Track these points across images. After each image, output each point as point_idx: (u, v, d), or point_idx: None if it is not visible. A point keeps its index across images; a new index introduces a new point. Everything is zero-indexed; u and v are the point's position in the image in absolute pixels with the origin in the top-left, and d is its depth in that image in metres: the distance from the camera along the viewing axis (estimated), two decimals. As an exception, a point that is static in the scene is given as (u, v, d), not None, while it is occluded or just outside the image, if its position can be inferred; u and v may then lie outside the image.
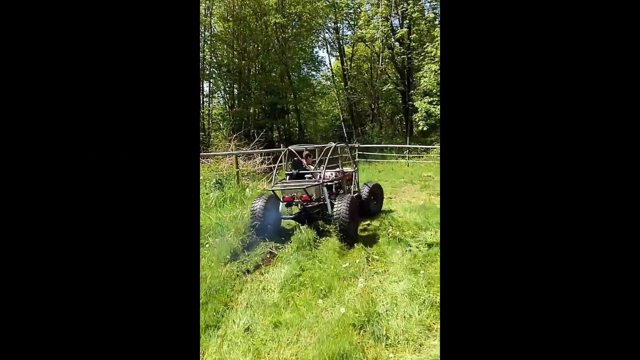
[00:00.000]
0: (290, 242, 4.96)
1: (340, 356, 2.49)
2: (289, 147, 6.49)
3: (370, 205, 6.70)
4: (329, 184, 5.82)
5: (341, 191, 6.18)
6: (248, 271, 4.21)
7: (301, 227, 5.14)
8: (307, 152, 6.56)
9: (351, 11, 25.28)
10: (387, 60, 24.38)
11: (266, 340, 2.81)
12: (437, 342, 2.73)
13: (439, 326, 2.91)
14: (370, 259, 4.54)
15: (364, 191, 6.67)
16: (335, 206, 5.06)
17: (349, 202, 5.04)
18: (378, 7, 22.95)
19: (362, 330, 2.86)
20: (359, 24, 24.28)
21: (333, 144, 6.29)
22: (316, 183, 5.41)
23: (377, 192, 7.01)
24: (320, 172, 5.72)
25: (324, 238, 5.13)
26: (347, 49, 27.25)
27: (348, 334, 2.75)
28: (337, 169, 6.54)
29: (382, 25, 22.33)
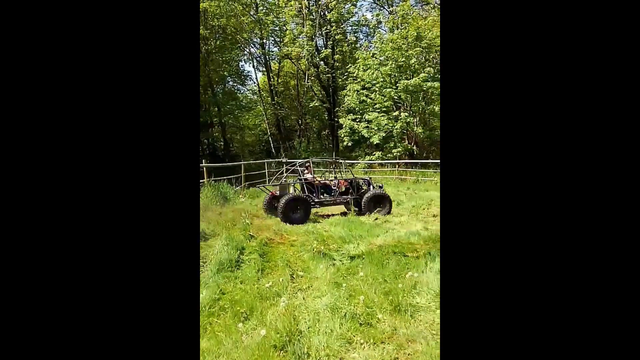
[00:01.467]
0: (210, 264, 4.73)
1: (260, 380, 2.40)
2: (299, 161, 9.38)
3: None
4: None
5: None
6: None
7: (223, 246, 4.95)
8: (308, 164, 9.37)
9: (277, 28, 25.63)
10: (312, 77, 25.05)
11: (180, 372, 2.60)
12: (357, 355, 2.78)
13: (359, 339, 2.97)
14: (294, 276, 4.51)
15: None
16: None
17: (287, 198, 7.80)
18: (303, 27, 23.60)
19: (283, 351, 2.80)
20: (285, 41, 24.69)
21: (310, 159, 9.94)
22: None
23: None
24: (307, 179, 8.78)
25: (245, 256, 4.99)
26: (274, 65, 27.47)
27: (269, 357, 2.67)
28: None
29: (307, 45, 22.96)
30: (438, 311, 3.46)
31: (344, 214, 8.99)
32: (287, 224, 7.35)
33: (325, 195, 8.84)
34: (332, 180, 9.32)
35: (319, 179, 9.31)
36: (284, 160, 17.65)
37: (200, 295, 3.88)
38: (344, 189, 9.04)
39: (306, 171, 9.16)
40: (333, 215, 8.89)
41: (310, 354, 2.77)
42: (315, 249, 5.43)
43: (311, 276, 4.48)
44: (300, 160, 9.74)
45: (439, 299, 3.66)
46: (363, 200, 8.60)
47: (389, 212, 8.63)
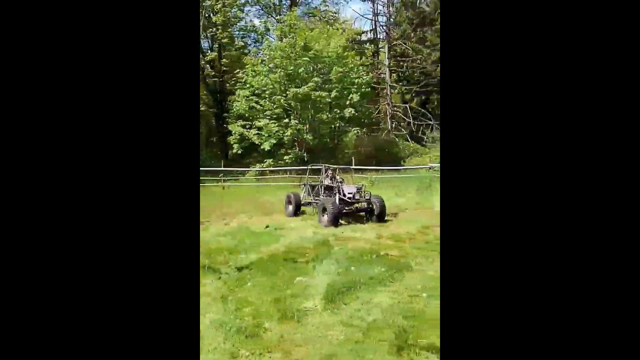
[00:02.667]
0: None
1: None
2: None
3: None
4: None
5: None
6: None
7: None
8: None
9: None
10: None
11: None
12: None
13: (244, 352, 2.88)
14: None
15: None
16: None
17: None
18: (188, 28, 22.43)
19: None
20: (167, 41, 23.08)
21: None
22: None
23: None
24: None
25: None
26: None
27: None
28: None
29: (192, 47, 21.87)
30: (324, 313, 3.58)
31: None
32: None
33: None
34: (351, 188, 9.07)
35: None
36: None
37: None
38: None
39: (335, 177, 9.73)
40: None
41: None
42: (202, 261, 5.13)
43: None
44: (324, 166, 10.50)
45: (325, 301, 3.80)
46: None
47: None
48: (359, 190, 8.86)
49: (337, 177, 9.62)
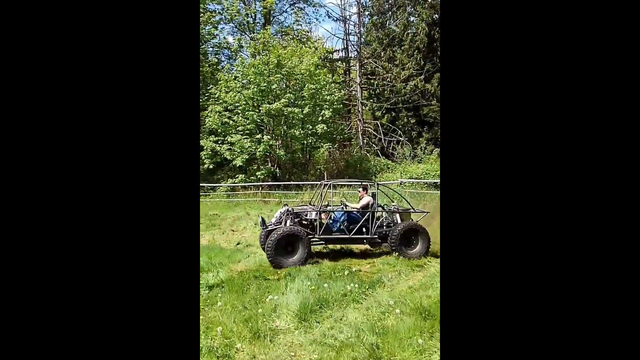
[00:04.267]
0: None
1: None
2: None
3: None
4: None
5: None
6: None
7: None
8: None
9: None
10: (170, 96, 23.58)
11: None
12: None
13: (215, 374, 2.82)
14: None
15: None
16: None
17: None
18: (159, 42, 22.22)
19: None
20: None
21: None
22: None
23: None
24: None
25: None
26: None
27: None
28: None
29: (163, 61, 21.64)
30: (296, 332, 3.57)
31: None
32: None
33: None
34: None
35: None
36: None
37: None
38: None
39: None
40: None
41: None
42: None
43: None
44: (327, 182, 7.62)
45: (297, 320, 3.78)
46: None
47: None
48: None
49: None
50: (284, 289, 4.72)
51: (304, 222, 6.45)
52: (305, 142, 18.87)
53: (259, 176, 17.86)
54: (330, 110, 18.52)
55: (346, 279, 5.09)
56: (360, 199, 6.87)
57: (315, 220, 6.29)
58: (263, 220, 6.62)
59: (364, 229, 6.48)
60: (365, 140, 22.40)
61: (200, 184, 18.21)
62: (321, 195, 6.85)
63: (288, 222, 6.30)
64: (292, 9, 24.30)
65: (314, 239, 6.30)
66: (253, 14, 23.50)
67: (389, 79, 21.37)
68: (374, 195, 6.90)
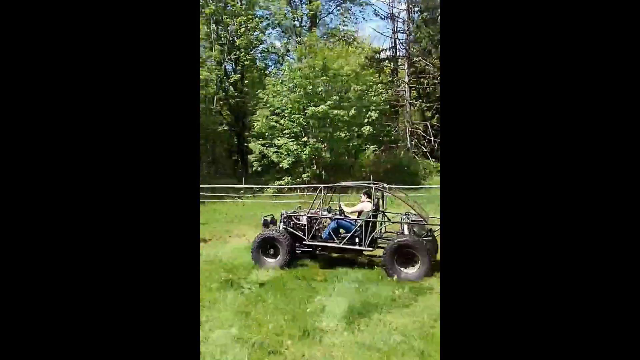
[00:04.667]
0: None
1: None
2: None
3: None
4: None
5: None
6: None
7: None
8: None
9: (183, 50, 24.83)
10: (221, 102, 24.63)
11: None
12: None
13: (266, 369, 2.91)
14: (200, 307, 4.26)
15: None
16: None
17: None
18: (212, 51, 23.28)
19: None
20: (192, 63, 23.94)
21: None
22: None
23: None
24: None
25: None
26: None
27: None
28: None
29: (216, 69, 22.64)
30: (345, 333, 3.58)
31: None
32: None
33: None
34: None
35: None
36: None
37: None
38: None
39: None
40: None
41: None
42: (223, 279, 5.22)
43: (218, 307, 4.27)
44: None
45: (345, 322, 3.79)
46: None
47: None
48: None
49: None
50: (331, 291, 4.75)
51: (299, 226, 6.23)
52: (350, 144, 18.86)
53: (304, 178, 18.12)
54: (377, 111, 18.36)
55: (395, 284, 5.02)
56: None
57: (305, 225, 6.07)
58: (266, 221, 6.68)
59: (356, 239, 5.75)
60: (413, 142, 21.92)
61: (249, 186, 18.82)
62: (315, 199, 6.63)
63: (281, 225, 6.26)
64: (339, 10, 24.34)
65: (303, 244, 6.14)
66: (300, 17, 23.88)
67: (439, 78, 20.76)
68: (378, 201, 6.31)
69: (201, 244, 8.18)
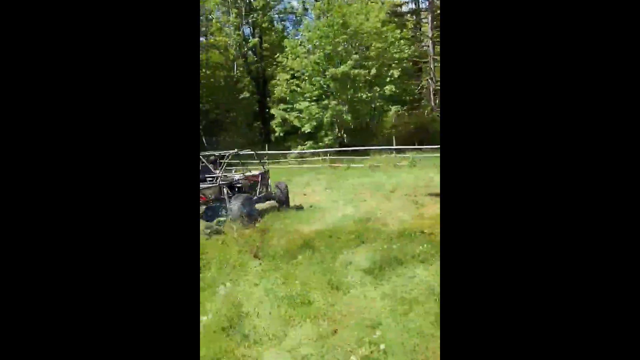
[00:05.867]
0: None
1: (206, 364, 2.48)
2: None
3: (281, 198, 8.23)
4: (228, 184, 7.32)
5: (251, 191, 7.78)
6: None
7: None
8: (213, 158, 8.25)
9: (202, 18, 24.51)
10: (241, 68, 24.48)
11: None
12: (296, 332, 2.96)
13: (298, 317, 3.16)
14: (232, 267, 4.56)
15: (276, 190, 8.29)
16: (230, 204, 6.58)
17: (241, 200, 6.62)
18: (229, 16, 22.88)
19: (230, 332, 2.90)
20: (210, 30, 23.73)
21: (230, 152, 8.80)
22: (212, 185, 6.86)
23: (283, 189, 8.43)
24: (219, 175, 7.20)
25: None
26: (202, 56, 26.30)
27: (215, 339, 2.75)
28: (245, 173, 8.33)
29: (234, 34, 22.34)
30: (369, 285, 3.78)
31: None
32: None
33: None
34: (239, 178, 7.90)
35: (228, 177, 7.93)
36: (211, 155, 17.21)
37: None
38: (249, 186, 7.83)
39: (212, 167, 7.92)
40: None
41: (254, 333, 2.89)
42: (250, 241, 5.50)
43: (248, 266, 4.56)
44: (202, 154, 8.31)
45: (370, 276, 3.98)
46: (281, 193, 7.90)
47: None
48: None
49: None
50: (356, 248, 4.94)
51: None
52: (372, 105, 18.54)
53: (326, 142, 18.13)
54: (399, 69, 17.80)
55: (416, 241, 5.14)
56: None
57: None
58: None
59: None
60: (437, 101, 21.27)
61: (271, 151, 19.05)
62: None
63: None
64: (358, -37, 23.09)
65: None
66: (317, -27, 22.90)
67: (464, 32, 19.70)
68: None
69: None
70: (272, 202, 8.32)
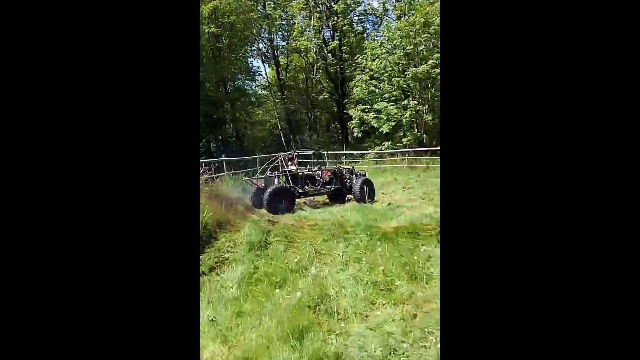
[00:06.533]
0: (240, 245, 5.22)
1: (300, 331, 2.86)
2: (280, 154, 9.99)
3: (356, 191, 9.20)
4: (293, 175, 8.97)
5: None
6: (203, 273, 4.40)
7: (251, 229, 5.45)
8: (290, 155, 9.91)
9: (284, 23, 25.90)
10: (320, 70, 25.32)
11: (231, 327, 3.08)
12: (380, 313, 3.21)
13: (381, 300, 3.41)
14: (317, 253, 4.97)
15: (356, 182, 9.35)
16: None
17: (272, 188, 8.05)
18: (310, 20, 23.83)
19: (316, 309, 3.26)
20: (292, 35, 24.95)
21: (299, 152, 11.00)
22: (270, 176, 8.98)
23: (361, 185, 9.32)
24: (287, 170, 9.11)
25: (272, 238, 5.47)
26: (282, 60, 27.82)
27: (305, 314, 3.13)
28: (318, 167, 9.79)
29: (315, 38, 23.22)
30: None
31: (326, 203, 9.56)
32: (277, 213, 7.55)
33: (309, 185, 9.15)
34: (315, 171, 9.52)
35: (304, 171, 9.50)
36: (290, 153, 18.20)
37: (237, 270, 4.37)
38: (327, 179, 9.37)
39: (290, 163, 9.63)
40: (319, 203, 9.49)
41: (340, 312, 3.22)
42: (333, 232, 5.87)
43: (333, 253, 4.92)
44: (282, 154, 10.24)
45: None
46: (356, 186, 9.06)
47: (372, 198, 9.11)
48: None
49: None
50: (436, 244, 5.02)
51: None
52: (454, 104, 17.85)
53: (405, 142, 17.96)
54: (484, 67, 16.91)
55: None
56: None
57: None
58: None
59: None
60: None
61: (349, 152, 19.42)
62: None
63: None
64: (440, -40, 22.42)
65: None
66: (398, -27, 22.77)
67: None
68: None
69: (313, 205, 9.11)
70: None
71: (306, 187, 9.01)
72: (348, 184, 9.59)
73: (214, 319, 3.23)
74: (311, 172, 9.42)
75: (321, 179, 9.24)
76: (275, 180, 8.79)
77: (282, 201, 7.97)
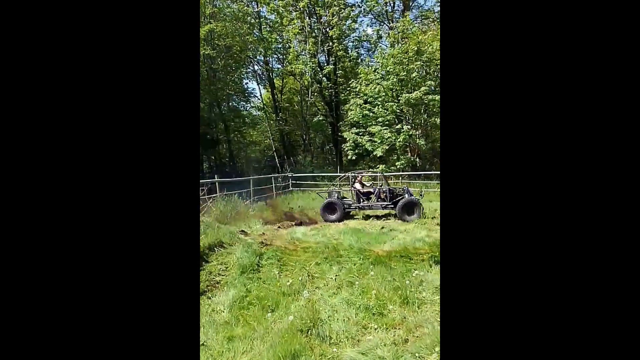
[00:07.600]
0: (232, 268, 5.19)
1: (292, 355, 2.84)
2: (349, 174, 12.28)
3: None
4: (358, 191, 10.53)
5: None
6: (195, 296, 4.36)
7: (243, 252, 5.43)
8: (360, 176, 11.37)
9: (280, 46, 26.49)
10: (315, 93, 25.75)
11: (222, 352, 3.05)
12: (372, 337, 3.21)
13: (373, 324, 3.41)
14: (310, 276, 4.95)
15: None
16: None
17: (325, 202, 10.08)
18: (306, 44, 24.41)
19: (309, 333, 3.25)
20: (288, 58, 25.48)
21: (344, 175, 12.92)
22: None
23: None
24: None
25: (264, 260, 5.45)
26: (277, 82, 28.27)
27: (297, 338, 3.11)
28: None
29: (310, 62, 23.72)
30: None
31: (386, 215, 10.56)
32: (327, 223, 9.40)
33: (363, 201, 10.57)
34: (372, 189, 10.80)
35: (365, 188, 10.87)
36: (289, 174, 18.25)
37: (228, 293, 4.34)
38: (382, 197, 10.53)
39: (355, 181, 11.09)
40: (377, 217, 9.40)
41: (332, 336, 3.21)
42: (327, 255, 5.87)
43: (326, 277, 4.91)
44: (351, 174, 12.19)
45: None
46: (399, 205, 9.88)
47: (418, 217, 9.73)
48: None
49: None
50: (428, 268, 5.05)
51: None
52: (446, 129, 18.19)
53: (398, 166, 18.15)
54: (475, 94, 17.36)
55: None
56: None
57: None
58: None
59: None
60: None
61: (344, 174, 19.55)
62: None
63: (336, 196, 10.54)
64: (433, -9, 23.35)
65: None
66: (392, 2, 23.62)
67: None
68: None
69: (310, 226, 9.08)
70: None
71: (361, 202, 10.49)
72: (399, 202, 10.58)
73: (204, 343, 3.20)
74: (369, 189, 10.82)
75: (375, 196, 10.56)
76: (334, 194, 10.65)
77: (333, 212, 9.83)
